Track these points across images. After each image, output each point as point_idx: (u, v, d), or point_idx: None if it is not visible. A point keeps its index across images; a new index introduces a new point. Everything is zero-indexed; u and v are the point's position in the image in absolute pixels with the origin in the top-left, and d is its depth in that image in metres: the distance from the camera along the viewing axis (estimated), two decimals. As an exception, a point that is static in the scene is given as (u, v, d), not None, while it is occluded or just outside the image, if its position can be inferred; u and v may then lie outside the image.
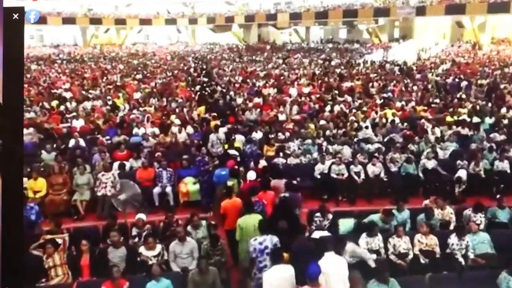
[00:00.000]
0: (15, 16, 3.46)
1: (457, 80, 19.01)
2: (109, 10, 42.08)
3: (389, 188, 8.76)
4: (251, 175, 7.12)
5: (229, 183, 6.89)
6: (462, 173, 8.41)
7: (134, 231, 6.00)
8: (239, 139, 9.68)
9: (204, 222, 6.05)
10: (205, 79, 20.54)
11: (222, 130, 10.29)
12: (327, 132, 10.99)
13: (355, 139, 10.50)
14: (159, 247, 5.45)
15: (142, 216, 6.12)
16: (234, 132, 10.39)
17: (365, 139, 10.54)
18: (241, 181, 7.29)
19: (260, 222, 5.46)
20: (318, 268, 4.21)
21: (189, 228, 5.97)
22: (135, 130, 11.10)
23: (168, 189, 8.08)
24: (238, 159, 8.41)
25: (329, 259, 4.58)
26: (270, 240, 5.13)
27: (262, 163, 8.07)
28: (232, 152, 8.66)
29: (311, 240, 5.63)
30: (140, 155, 9.10)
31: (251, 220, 5.62)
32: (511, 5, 28.62)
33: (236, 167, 7.72)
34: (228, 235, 6.11)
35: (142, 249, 5.41)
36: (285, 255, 4.85)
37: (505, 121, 12.25)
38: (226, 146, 9.47)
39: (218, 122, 10.95)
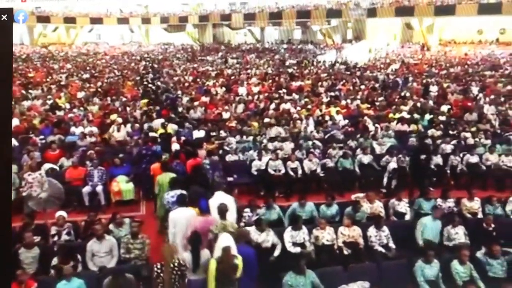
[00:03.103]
0: (4, 17, 3.36)
1: (394, 77, 19.69)
2: (58, 8, 40.62)
3: (326, 183, 8.85)
4: (175, 147, 8.91)
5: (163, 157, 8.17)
6: (392, 166, 8.59)
7: (53, 230, 5.73)
8: (170, 127, 10.67)
9: (127, 220, 5.87)
10: (151, 76, 20.32)
11: (159, 121, 11.07)
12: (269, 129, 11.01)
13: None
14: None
15: (62, 213, 5.88)
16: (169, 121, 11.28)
17: (306, 136, 10.63)
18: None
19: (171, 179, 6.45)
20: (207, 203, 5.53)
21: (111, 226, 5.79)
22: (72, 129, 10.74)
23: (99, 188, 7.80)
24: (158, 140, 9.53)
25: (218, 196, 5.80)
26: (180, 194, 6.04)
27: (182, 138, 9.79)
28: (152, 134, 9.87)
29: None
30: (73, 154, 8.77)
31: (166, 177, 6.65)
32: (456, 8, 29.91)
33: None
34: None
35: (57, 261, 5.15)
36: (196, 210, 5.63)
37: (443, 118, 12.69)
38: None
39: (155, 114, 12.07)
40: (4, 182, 3.29)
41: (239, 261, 4.58)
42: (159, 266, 4.60)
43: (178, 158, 8.01)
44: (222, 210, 5.35)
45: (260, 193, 8.53)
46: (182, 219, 5.31)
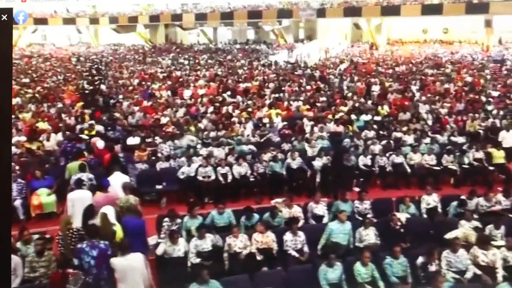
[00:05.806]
0: (4, 17, 3.36)
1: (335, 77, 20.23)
2: (-5, 7, 38.69)
3: (255, 188, 8.91)
4: (100, 144, 9.39)
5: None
6: (316, 164, 8.76)
7: None
8: (97, 128, 11.27)
9: (36, 236, 5.69)
10: (90, 78, 19.96)
11: (90, 122, 11.60)
12: (205, 134, 10.98)
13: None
14: None
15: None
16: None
17: (240, 140, 10.66)
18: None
19: (79, 165, 7.70)
20: (107, 182, 6.73)
21: (19, 244, 5.61)
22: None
23: (17, 202, 7.51)
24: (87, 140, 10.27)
25: (115, 176, 6.96)
26: (86, 176, 7.39)
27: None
28: (83, 136, 10.56)
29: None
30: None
31: (75, 164, 7.93)
32: (401, 8, 30.85)
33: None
34: None
35: None
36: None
37: (378, 118, 13.01)
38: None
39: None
40: (4, 183, 3.29)
41: (117, 228, 5.36)
42: (60, 234, 5.48)
43: (91, 151, 9.29)
44: (125, 188, 6.40)
45: (189, 200, 8.52)
46: (78, 200, 6.22)
